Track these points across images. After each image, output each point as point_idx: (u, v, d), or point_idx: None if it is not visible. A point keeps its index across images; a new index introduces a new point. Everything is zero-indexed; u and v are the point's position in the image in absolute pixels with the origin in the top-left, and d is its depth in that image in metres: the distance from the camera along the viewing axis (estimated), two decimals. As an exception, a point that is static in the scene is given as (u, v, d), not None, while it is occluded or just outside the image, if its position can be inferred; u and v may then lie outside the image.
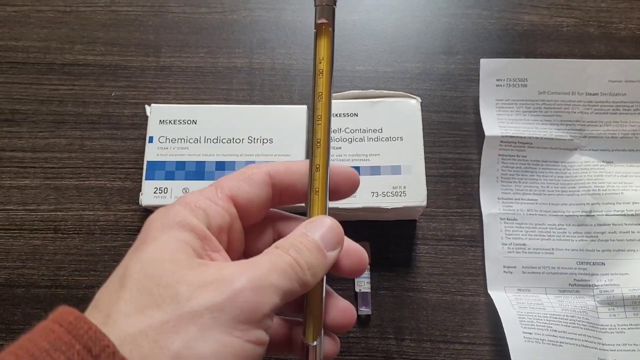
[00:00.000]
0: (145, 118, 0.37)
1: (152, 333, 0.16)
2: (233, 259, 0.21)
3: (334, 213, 0.27)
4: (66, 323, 0.15)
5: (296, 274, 0.19)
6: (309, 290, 0.21)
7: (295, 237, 0.20)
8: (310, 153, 0.23)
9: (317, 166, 0.23)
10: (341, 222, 0.22)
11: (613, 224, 0.37)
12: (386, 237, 0.37)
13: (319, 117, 0.23)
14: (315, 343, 0.22)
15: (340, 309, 0.23)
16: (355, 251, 0.23)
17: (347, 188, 0.24)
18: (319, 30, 0.23)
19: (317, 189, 0.22)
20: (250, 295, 0.17)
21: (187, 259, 0.18)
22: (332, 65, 0.23)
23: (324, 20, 0.23)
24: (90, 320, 0.16)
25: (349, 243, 0.23)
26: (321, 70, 0.23)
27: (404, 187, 0.33)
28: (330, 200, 0.23)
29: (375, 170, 0.34)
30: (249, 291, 0.17)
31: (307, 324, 0.22)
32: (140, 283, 0.17)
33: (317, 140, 0.23)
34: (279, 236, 0.23)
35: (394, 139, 0.34)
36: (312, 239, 0.20)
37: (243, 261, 0.19)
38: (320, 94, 0.23)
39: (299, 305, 0.23)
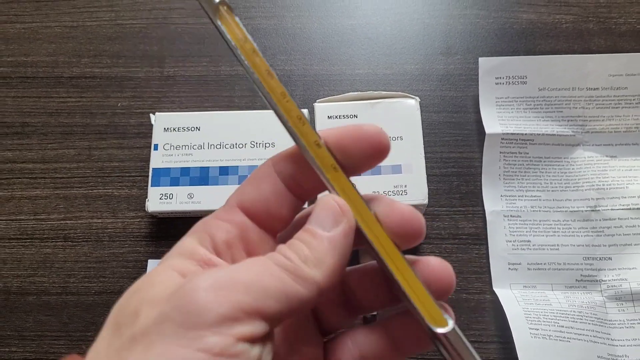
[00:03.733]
0: (150, 127, 0.38)
1: None
2: None
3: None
4: None
5: (284, 268, 0.16)
6: (394, 270, 0.17)
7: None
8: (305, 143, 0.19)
9: (317, 143, 0.18)
10: None
11: (619, 219, 0.37)
12: (390, 238, 0.37)
13: (299, 117, 0.18)
14: (451, 324, 0.17)
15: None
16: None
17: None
18: (219, 16, 0.18)
19: (333, 165, 0.18)
20: (201, 295, 0.14)
21: (169, 282, 0.16)
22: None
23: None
24: None
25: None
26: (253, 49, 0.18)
27: (405, 186, 0.34)
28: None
29: (375, 170, 0.34)
30: (201, 291, 0.15)
31: (419, 307, 0.17)
32: (114, 316, 0.16)
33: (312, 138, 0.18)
34: None
35: (394, 138, 0.35)
36: (305, 227, 0.17)
37: (225, 266, 0.17)
38: (282, 94, 0.19)
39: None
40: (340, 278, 0.17)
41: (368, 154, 0.18)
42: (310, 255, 0.16)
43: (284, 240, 0.17)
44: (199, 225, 0.18)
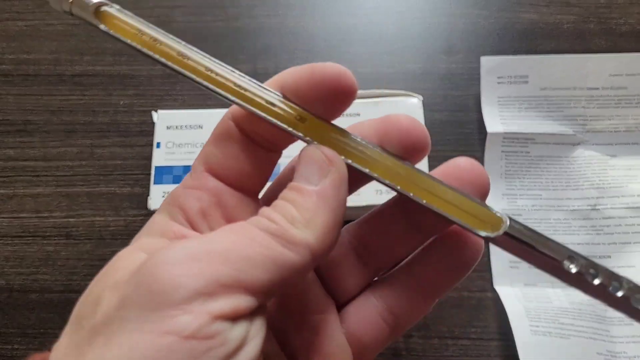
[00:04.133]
0: (152, 125, 0.38)
1: None
2: None
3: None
4: None
5: (269, 232, 0.14)
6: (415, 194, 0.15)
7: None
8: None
9: (269, 102, 0.16)
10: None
11: (618, 217, 0.37)
12: (392, 236, 0.38)
13: (237, 86, 0.16)
14: (506, 220, 0.15)
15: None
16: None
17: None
18: (102, 18, 0.16)
19: (298, 117, 0.16)
20: (167, 269, 0.12)
21: (136, 264, 0.14)
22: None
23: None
24: None
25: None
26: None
27: (407, 185, 0.34)
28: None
29: (378, 169, 0.34)
30: (167, 265, 0.12)
31: (465, 220, 0.15)
32: (77, 308, 0.14)
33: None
34: None
35: (396, 137, 0.35)
36: (290, 185, 0.15)
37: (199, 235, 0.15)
38: (206, 69, 0.16)
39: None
40: (338, 236, 0.15)
41: (330, 100, 0.15)
42: (298, 214, 0.14)
43: (269, 202, 0.15)
44: (167, 199, 0.16)
